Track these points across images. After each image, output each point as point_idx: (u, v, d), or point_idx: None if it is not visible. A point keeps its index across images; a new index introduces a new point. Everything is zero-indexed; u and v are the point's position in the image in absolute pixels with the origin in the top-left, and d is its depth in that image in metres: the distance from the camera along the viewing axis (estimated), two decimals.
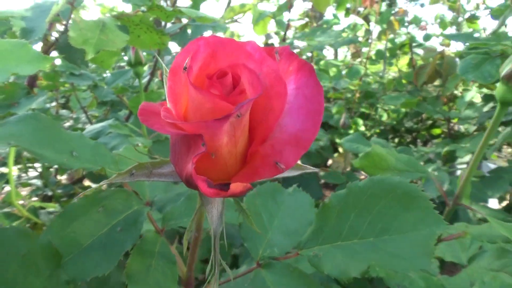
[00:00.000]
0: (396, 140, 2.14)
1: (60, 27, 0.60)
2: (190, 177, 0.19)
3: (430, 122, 2.08)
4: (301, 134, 0.20)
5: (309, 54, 2.10)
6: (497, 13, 1.43)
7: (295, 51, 2.43)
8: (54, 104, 1.33)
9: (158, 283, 0.31)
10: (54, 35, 0.58)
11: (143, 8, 0.60)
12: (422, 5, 2.98)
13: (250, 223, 0.24)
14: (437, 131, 2.01)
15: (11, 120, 0.31)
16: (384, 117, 2.26)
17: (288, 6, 1.45)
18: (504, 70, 0.40)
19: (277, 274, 0.34)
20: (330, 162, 1.45)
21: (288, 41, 1.40)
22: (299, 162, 0.26)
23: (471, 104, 1.52)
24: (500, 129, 1.18)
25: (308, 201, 0.41)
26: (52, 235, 0.28)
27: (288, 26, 1.46)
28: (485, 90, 1.55)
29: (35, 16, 0.49)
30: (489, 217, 0.46)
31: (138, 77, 0.77)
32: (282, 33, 1.64)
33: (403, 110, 2.08)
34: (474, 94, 1.63)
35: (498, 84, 0.41)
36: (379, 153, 0.51)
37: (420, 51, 1.92)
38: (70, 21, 0.53)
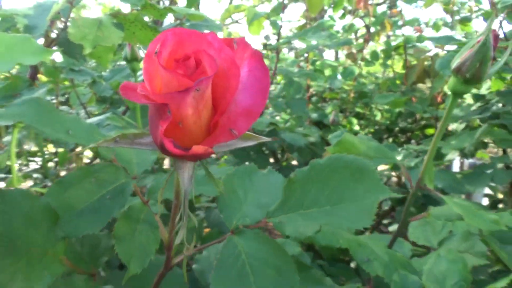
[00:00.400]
0: (391, 139, 2.18)
1: (60, 25, 0.65)
2: (162, 142, 0.24)
3: (423, 122, 2.12)
4: (251, 108, 0.25)
5: (306, 55, 2.14)
6: (487, 16, 1.48)
7: (293, 52, 2.46)
8: (54, 101, 1.38)
9: (142, 245, 0.36)
10: (55, 32, 0.63)
11: (138, 7, 0.65)
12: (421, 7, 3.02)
13: (217, 186, 0.29)
14: (430, 131, 2.06)
15: (16, 103, 0.36)
16: (378, 117, 2.30)
17: (282, 7, 1.50)
18: (454, 64, 0.44)
19: (247, 239, 0.39)
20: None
21: (281, 40, 1.45)
22: (261, 138, 0.31)
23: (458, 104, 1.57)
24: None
25: (281, 180, 0.45)
26: (50, 198, 0.33)
27: (281, 27, 1.51)
28: (474, 90, 1.59)
29: (37, 14, 0.54)
30: (445, 198, 0.51)
31: (134, 72, 0.82)
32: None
33: (396, 110, 2.12)
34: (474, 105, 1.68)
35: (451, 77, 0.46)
36: (351, 140, 0.56)
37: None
38: (70, 19, 0.58)
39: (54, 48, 0.62)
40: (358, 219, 0.34)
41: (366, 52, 2.21)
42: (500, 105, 1.18)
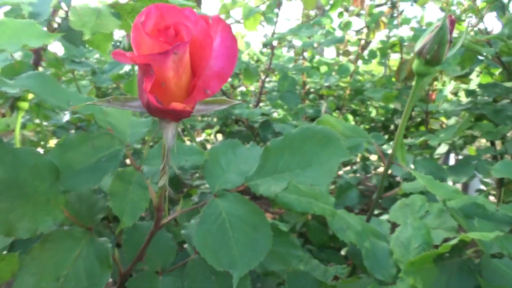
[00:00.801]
0: (386, 136, 2.22)
1: (62, 14, 0.70)
2: (147, 99, 0.29)
3: (419, 119, 2.17)
4: (222, 71, 0.29)
5: (305, 54, 2.18)
6: (476, 13, 1.53)
7: (292, 51, 2.49)
8: None
9: (133, 202, 0.41)
10: (57, 20, 0.68)
11: None
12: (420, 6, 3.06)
13: (194, 140, 0.33)
14: (423, 128, 2.10)
15: (23, 76, 0.41)
16: (373, 113, 2.34)
17: (277, 4, 1.55)
18: (416, 47, 0.49)
19: (228, 201, 0.44)
20: None
21: (275, 35, 1.49)
22: (233, 101, 0.35)
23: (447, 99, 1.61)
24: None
25: (261, 152, 0.50)
26: (53, 158, 0.38)
27: (276, 23, 1.56)
28: (463, 86, 1.64)
29: (41, 2, 0.59)
30: (413, 172, 0.56)
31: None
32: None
33: (391, 106, 2.16)
34: (451, 89, 1.72)
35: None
36: (329, 121, 0.61)
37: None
38: (71, 8, 0.63)
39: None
40: (321, 179, 0.38)
41: (365, 51, 2.25)
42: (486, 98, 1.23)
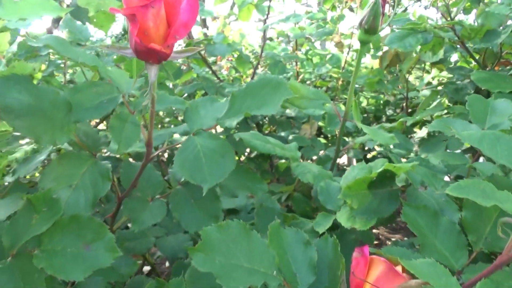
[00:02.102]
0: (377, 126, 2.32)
1: None
2: (134, 41, 0.41)
3: (409, 111, 2.27)
4: (187, 23, 0.41)
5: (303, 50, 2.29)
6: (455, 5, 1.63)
7: (290, 46, 2.59)
8: (62, 78, 1.56)
9: (128, 135, 0.53)
10: (67, 1, 0.80)
11: None
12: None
13: (171, 80, 0.45)
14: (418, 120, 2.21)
15: (44, 37, 0.53)
16: (364, 103, 2.44)
17: None
18: (358, 20, 0.60)
19: (202, 137, 0.55)
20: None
21: (266, 24, 1.61)
22: (199, 48, 0.47)
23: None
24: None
25: None
26: (67, 96, 0.49)
27: (268, 13, 1.67)
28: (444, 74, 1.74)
29: None
30: (360, 124, 0.67)
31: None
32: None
33: (382, 97, 2.26)
34: (431, 78, 1.84)
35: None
36: (295, 86, 0.72)
37: None
38: None
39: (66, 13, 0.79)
40: (269, 112, 0.50)
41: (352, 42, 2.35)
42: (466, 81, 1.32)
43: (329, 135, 1.75)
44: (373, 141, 1.15)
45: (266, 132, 1.66)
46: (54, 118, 0.47)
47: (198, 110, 0.60)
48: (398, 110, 2.25)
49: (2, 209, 0.53)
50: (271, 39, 2.37)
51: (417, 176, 0.62)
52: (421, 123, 1.77)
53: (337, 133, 1.68)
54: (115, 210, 0.59)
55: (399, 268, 0.47)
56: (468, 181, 0.42)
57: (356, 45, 2.54)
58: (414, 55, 1.64)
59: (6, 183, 0.69)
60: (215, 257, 0.39)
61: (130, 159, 0.78)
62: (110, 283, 0.51)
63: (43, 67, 0.84)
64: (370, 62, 2.79)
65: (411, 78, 2.07)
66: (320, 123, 1.72)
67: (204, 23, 3.71)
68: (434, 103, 1.19)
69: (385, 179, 0.58)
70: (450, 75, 1.36)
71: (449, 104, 1.49)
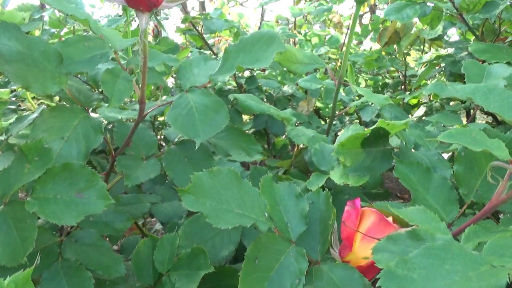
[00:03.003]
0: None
1: None
2: None
3: (408, 93, 2.26)
4: None
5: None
6: None
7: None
8: None
9: (120, 90, 0.52)
10: None
11: None
12: None
13: (162, 28, 0.45)
14: (414, 101, 2.20)
15: None
16: (362, 85, 2.43)
17: None
18: None
19: (195, 94, 0.55)
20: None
21: (264, 1, 1.59)
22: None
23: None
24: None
25: None
26: (58, 48, 0.49)
27: None
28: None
29: None
30: (354, 86, 0.67)
31: (126, 12, 0.98)
32: None
33: (380, 78, 2.25)
34: (430, 56, 1.83)
35: None
36: (290, 50, 0.72)
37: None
38: None
39: None
40: (262, 66, 0.50)
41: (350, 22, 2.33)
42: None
43: (326, 118, 1.74)
44: (369, 112, 1.15)
45: None
46: (45, 68, 0.46)
47: (191, 68, 0.59)
48: (396, 93, 2.24)
49: None
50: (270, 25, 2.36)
51: (410, 137, 0.62)
52: (419, 104, 1.77)
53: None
54: (109, 168, 0.59)
55: (390, 219, 0.47)
56: (460, 129, 0.42)
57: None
58: (413, 32, 1.63)
59: None
60: (205, 201, 0.39)
61: None
62: (104, 236, 0.51)
63: (37, 32, 0.83)
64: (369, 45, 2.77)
65: (410, 61, 2.06)
66: (318, 104, 1.71)
67: (202, 6, 3.67)
68: (433, 82, 1.18)
69: (379, 138, 0.58)
70: (448, 52, 1.35)
71: (447, 82, 1.47)
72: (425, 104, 1.69)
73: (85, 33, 0.61)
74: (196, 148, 0.49)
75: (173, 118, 0.52)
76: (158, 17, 0.87)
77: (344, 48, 0.65)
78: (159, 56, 0.60)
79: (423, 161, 0.57)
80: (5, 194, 0.44)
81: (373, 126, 0.56)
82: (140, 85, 0.54)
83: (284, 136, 1.52)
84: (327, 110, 1.71)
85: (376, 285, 0.30)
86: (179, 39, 2.08)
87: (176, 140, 0.62)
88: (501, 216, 0.49)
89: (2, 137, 0.61)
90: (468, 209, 0.49)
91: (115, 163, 0.57)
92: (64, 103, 0.53)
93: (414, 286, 0.30)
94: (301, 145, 1.39)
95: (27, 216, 0.41)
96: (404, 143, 0.60)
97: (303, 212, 0.47)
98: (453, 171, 0.52)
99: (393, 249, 0.37)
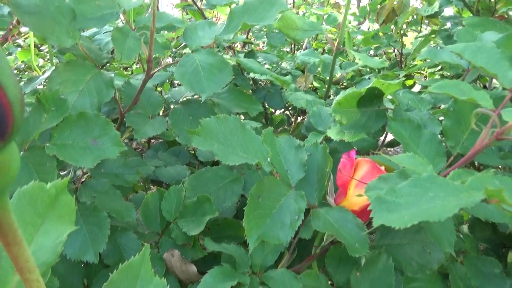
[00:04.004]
0: None
1: None
2: None
3: (404, 73, 2.29)
4: None
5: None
6: None
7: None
8: None
9: (129, 48, 0.55)
10: None
11: None
12: None
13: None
14: (410, 82, 2.23)
15: None
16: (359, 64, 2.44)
17: None
18: None
19: (201, 54, 0.58)
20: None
21: None
22: None
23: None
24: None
25: None
26: (71, 4, 0.52)
27: None
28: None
29: None
30: (351, 52, 0.70)
31: None
32: None
33: (378, 59, 2.26)
34: (427, 33, 1.85)
35: None
36: (291, 17, 0.74)
37: None
38: None
39: None
40: (268, 22, 0.53)
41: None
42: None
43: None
44: (366, 85, 1.18)
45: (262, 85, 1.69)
46: (60, 22, 0.49)
47: (197, 31, 0.62)
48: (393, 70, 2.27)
49: None
50: None
51: (404, 100, 0.65)
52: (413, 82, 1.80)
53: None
54: (118, 125, 0.62)
55: (383, 168, 0.51)
56: (448, 81, 0.45)
57: (353, 8, 2.53)
58: (409, 10, 1.65)
59: None
60: (213, 143, 0.43)
61: None
62: (115, 186, 0.55)
63: None
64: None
65: (407, 43, 2.08)
66: (315, 84, 1.74)
67: None
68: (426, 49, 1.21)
69: (374, 98, 0.62)
70: (444, 27, 1.38)
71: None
72: (419, 82, 1.72)
73: None
74: (203, 102, 0.53)
75: (180, 74, 0.55)
76: None
77: (341, 19, 0.68)
78: (166, 17, 0.62)
79: (415, 120, 0.60)
80: (25, 141, 0.47)
81: (369, 85, 0.59)
82: (149, 44, 0.57)
83: (282, 111, 1.56)
84: (323, 89, 1.74)
85: (368, 209, 0.34)
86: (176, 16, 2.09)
87: (181, 100, 0.65)
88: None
89: None
90: (455, 161, 0.53)
91: (124, 119, 0.60)
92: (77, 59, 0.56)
93: (400, 209, 0.33)
94: (299, 120, 1.43)
95: (46, 159, 0.45)
96: (398, 104, 0.64)
97: (301, 161, 0.50)
98: (442, 127, 0.56)
99: (383, 186, 0.41)
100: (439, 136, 0.56)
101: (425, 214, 0.31)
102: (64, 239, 0.23)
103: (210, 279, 0.44)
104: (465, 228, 0.74)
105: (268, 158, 0.46)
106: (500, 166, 0.63)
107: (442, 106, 0.84)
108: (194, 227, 0.52)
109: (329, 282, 0.51)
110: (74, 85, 0.51)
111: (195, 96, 0.65)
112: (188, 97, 0.65)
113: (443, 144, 0.54)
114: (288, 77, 0.76)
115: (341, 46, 0.72)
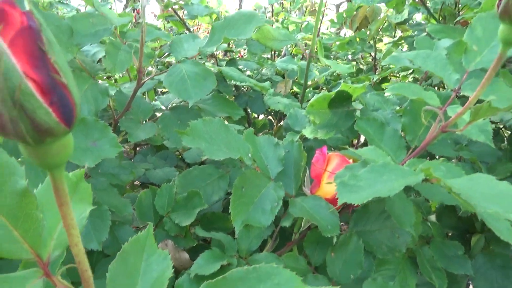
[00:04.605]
0: None
1: None
2: None
3: (380, 77, 2.39)
4: None
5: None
6: None
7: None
8: None
9: (122, 61, 0.61)
10: None
11: None
12: None
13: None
14: (386, 84, 2.34)
15: None
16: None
17: None
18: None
19: (187, 64, 0.65)
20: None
21: None
22: None
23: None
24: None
25: None
26: (68, 22, 0.57)
27: None
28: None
29: None
30: (323, 59, 0.77)
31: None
32: None
33: (353, 64, 2.37)
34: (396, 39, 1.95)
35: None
36: (268, 28, 0.81)
37: None
38: None
39: None
40: (246, 36, 0.60)
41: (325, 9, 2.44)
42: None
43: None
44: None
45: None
46: (60, 39, 0.55)
47: (182, 43, 0.69)
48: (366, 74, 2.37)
49: None
50: None
51: (370, 101, 0.73)
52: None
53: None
54: (112, 130, 0.68)
55: (351, 161, 0.58)
56: (402, 83, 0.53)
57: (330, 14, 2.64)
58: (380, 18, 1.75)
59: None
60: (201, 142, 0.49)
61: None
62: (112, 184, 0.60)
63: None
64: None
65: (382, 47, 2.19)
66: (296, 89, 1.82)
67: None
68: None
69: (343, 100, 0.69)
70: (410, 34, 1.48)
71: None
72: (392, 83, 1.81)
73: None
74: (190, 108, 0.59)
75: (169, 83, 0.62)
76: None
77: (313, 27, 0.75)
78: (154, 32, 0.68)
79: (379, 118, 0.68)
80: None
81: (337, 89, 0.67)
82: (139, 56, 0.63)
83: (263, 115, 1.63)
84: (301, 82, 1.82)
85: (334, 192, 0.41)
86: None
87: (169, 106, 0.71)
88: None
89: None
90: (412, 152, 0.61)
91: (118, 125, 0.65)
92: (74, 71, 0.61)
93: (360, 190, 0.40)
94: (280, 123, 1.50)
95: None
96: (365, 105, 0.71)
97: (279, 157, 0.57)
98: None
99: (348, 174, 0.48)
100: (400, 131, 0.63)
101: (378, 192, 0.38)
102: (87, 214, 0.29)
103: (201, 261, 0.50)
104: (432, 217, 0.82)
105: (249, 154, 0.52)
106: (456, 157, 0.71)
107: None
108: (186, 219, 0.58)
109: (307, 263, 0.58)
110: None
111: (182, 103, 0.71)
112: (175, 103, 0.71)
113: (403, 138, 0.62)
114: (267, 83, 0.83)
115: (314, 54, 0.80)
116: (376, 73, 1.63)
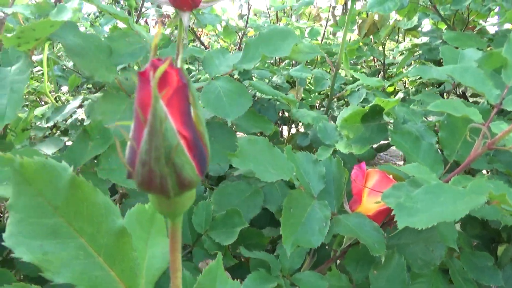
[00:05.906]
0: None
1: None
2: None
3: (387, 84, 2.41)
4: None
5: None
6: None
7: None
8: None
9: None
10: None
11: None
12: None
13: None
14: (390, 88, 2.35)
15: None
16: (342, 74, 2.55)
17: None
18: None
19: (221, 81, 0.64)
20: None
21: None
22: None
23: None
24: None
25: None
26: (107, 42, 0.57)
27: None
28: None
29: None
30: (352, 72, 0.77)
31: (130, 8, 1.05)
32: None
33: (359, 68, 2.38)
34: (405, 46, 1.96)
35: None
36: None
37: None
38: None
39: None
40: (284, 54, 0.60)
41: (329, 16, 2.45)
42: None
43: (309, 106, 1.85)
44: (356, 98, 1.27)
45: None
46: (100, 59, 0.55)
47: (213, 59, 0.68)
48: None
49: (48, 147, 0.61)
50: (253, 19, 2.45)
51: (400, 113, 0.73)
52: (396, 92, 1.91)
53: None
54: None
55: (391, 177, 0.58)
56: (444, 100, 0.53)
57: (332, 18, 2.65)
58: (390, 23, 1.76)
59: (33, 135, 0.76)
60: (248, 163, 0.49)
61: None
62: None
63: None
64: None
65: (385, 51, 2.20)
66: (303, 95, 1.82)
67: None
68: (410, 69, 1.31)
69: (375, 114, 0.69)
70: (423, 41, 1.49)
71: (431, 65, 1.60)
72: (402, 91, 1.83)
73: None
74: (222, 123, 0.59)
75: (205, 101, 0.61)
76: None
77: (340, 40, 0.75)
78: (188, 49, 0.68)
79: (413, 132, 0.68)
80: (76, 166, 0.52)
81: (371, 103, 0.67)
82: None
83: (275, 124, 1.62)
84: (309, 99, 1.83)
85: (392, 213, 0.41)
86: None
87: None
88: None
89: (44, 124, 0.69)
90: (451, 168, 0.61)
91: None
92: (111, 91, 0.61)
93: (418, 213, 0.40)
94: (292, 131, 1.50)
95: (98, 183, 0.50)
96: (396, 118, 0.71)
97: (320, 174, 0.57)
98: (437, 138, 0.63)
99: (397, 194, 0.48)
100: (435, 145, 0.63)
101: (441, 215, 0.38)
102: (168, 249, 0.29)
103: (249, 283, 0.50)
104: (457, 226, 0.82)
105: (294, 173, 0.52)
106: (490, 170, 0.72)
107: (431, 117, 0.92)
108: (227, 238, 0.58)
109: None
110: (112, 115, 0.56)
111: (213, 119, 0.71)
112: (206, 119, 0.71)
113: (440, 152, 0.62)
114: (291, 95, 0.83)
115: (341, 66, 0.80)
116: (387, 79, 1.63)
